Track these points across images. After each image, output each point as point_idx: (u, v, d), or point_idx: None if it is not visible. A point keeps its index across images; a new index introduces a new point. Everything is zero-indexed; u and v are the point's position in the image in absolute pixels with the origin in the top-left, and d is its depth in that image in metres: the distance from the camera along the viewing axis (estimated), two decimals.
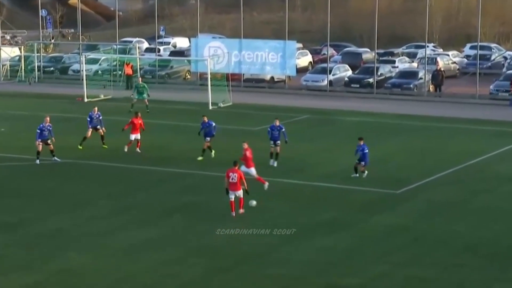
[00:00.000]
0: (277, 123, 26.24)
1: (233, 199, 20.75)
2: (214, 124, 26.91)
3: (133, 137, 28.05)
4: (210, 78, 39.09)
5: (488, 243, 18.72)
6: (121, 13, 71.80)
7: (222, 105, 39.04)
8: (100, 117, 28.63)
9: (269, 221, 20.10)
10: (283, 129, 26.18)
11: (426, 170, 25.48)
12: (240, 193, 20.69)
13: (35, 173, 25.43)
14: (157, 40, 53.00)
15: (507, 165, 26.64)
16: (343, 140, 30.27)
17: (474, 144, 29.81)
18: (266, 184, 22.49)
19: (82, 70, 42.99)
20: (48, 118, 26.99)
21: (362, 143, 24.20)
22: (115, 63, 46.50)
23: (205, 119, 26.96)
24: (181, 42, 61.47)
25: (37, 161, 25.85)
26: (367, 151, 23.93)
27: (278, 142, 25.96)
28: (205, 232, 19.31)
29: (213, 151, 26.48)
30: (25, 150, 27.95)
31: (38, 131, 26.60)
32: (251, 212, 20.87)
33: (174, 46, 59.94)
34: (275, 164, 25.44)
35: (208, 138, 26.67)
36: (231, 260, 17.54)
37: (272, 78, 46.07)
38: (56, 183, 24.00)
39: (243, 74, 45.62)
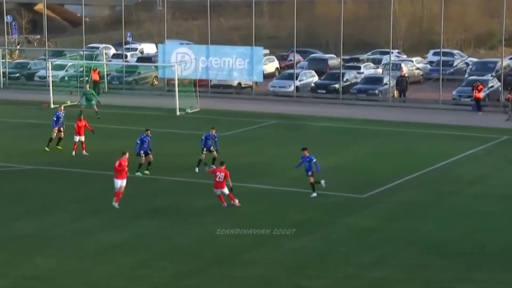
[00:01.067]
0: (213, 132, 26.25)
1: (219, 194, 21.87)
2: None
3: (77, 138, 28.26)
4: (178, 84, 39.01)
5: (455, 243, 18.88)
6: (87, 19, 71.56)
7: (189, 111, 38.97)
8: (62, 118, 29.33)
9: (237, 224, 20.25)
10: (216, 139, 26.29)
11: (393, 174, 25.65)
12: (225, 190, 21.72)
13: (2, 176, 25.33)
14: (124, 46, 52.83)
15: (471, 167, 26.99)
16: (310, 145, 29.93)
17: (439, 148, 29.96)
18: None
19: (48, 76, 42.61)
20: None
21: (307, 153, 23.05)
22: (82, 69, 46.38)
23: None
24: (149, 48, 61.41)
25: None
26: (315, 160, 22.93)
27: (212, 149, 25.99)
28: (175, 235, 19.34)
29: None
30: None
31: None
32: (216, 214, 21.00)
33: (142, 52, 59.89)
34: (197, 170, 25.48)
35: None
36: (201, 262, 17.61)
37: (240, 84, 45.98)
38: (25, 186, 23.91)
39: (211, 80, 45.57)
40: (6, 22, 54.79)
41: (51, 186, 23.64)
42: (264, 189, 23.53)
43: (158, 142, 27.43)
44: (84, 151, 28.08)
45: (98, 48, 56.77)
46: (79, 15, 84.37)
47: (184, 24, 70.17)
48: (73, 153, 28.05)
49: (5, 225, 19.85)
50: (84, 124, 28.29)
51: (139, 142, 25.37)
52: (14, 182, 24.38)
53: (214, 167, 24.62)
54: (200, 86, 42.39)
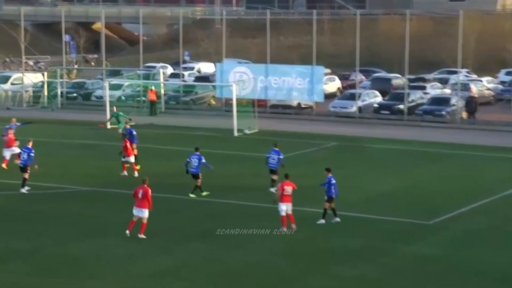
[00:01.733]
0: (276, 147, 26.26)
1: (284, 214, 21.46)
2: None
3: (130, 159, 28.36)
4: (236, 104, 39.10)
5: None
6: (145, 37, 72.63)
7: (248, 131, 38.98)
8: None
9: (290, 249, 20.02)
10: (281, 156, 26.09)
11: (459, 199, 25.16)
12: (290, 206, 21.50)
13: (59, 197, 25.66)
14: (181, 65, 53.23)
15: None
16: (372, 168, 30.01)
17: (510, 173, 29.37)
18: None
19: (105, 96, 43.09)
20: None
21: (329, 174, 22.43)
22: (138, 88, 46.81)
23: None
24: (206, 67, 61.54)
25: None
26: (334, 182, 22.30)
27: (277, 167, 25.77)
28: (223, 259, 19.27)
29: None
30: (46, 176, 28.05)
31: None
32: (269, 238, 20.85)
33: (199, 71, 60.17)
34: (273, 190, 25.12)
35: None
36: None
37: (299, 104, 45.80)
38: (80, 208, 24.14)
39: (269, 100, 45.53)
40: (64, 41, 55.20)
41: (105, 208, 23.80)
42: (321, 214, 22.99)
43: (214, 164, 27.48)
44: (135, 172, 28.25)
45: (155, 67, 57.53)
46: (136, 34, 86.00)
47: (242, 42, 70.43)
48: (124, 173, 28.23)
49: (59, 248, 20.03)
50: (126, 144, 28.51)
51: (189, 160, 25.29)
52: (70, 204, 24.57)
53: (274, 190, 24.57)
54: (258, 106, 42.58)
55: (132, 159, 28.15)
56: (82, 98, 50.78)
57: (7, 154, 28.70)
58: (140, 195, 20.34)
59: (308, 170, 28.19)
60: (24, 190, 25.51)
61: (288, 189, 21.47)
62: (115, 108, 37.04)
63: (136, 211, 20.61)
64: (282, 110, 45.48)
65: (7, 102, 49.00)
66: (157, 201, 23.97)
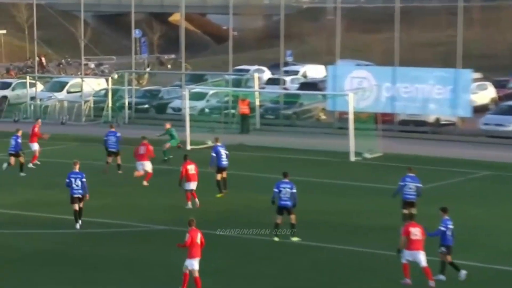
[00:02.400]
0: (411, 172, 26.35)
1: (406, 261, 21.11)
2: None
3: (189, 186, 28.85)
4: (353, 120, 39.21)
5: None
6: (236, 33, 73.17)
7: (368, 155, 39.17)
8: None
9: None
10: (420, 185, 26.19)
11: None
12: (423, 256, 20.99)
13: (121, 238, 26.03)
14: (282, 69, 53.47)
15: None
16: None
17: None
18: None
19: (184, 108, 43.71)
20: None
21: (445, 216, 22.05)
22: (227, 98, 47.33)
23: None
24: (314, 71, 61.79)
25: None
26: (451, 226, 21.92)
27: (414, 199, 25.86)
28: None
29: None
30: (110, 210, 28.32)
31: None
32: None
33: (305, 76, 60.50)
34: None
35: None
36: None
37: (438, 120, 45.78)
38: (149, 252, 24.45)
39: (397, 115, 45.67)
40: (134, 37, 56.06)
41: (179, 252, 23.38)
42: (468, 266, 22.50)
43: (324, 197, 27.75)
44: (196, 200, 28.69)
45: (248, 71, 57.71)
46: (225, 27, 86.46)
47: (362, 38, 70.26)
48: (189, 204, 28.72)
49: None
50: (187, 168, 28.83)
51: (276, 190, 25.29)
52: (137, 246, 24.86)
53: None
54: (383, 123, 42.90)
55: (193, 185, 28.79)
56: (156, 111, 51.93)
57: (140, 167, 32.58)
58: (197, 240, 20.19)
59: (448, 207, 27.59)
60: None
61: (416, 231, 21.02)
62: (168, 125, 37.98)
63: (189, 262, 20.40)
64: (415, 127, 45.37)
65: (62, 115, 50.24)
66: (245, 243, 24.13)
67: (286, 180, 24.94)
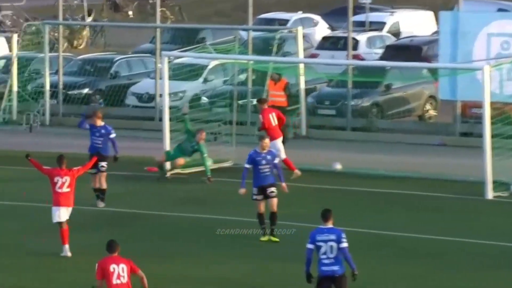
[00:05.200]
0: None
1: None
2: None
3: None
4: (492, 119, 31.10)
5: None
6: None
7: None
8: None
9: None
10: None
11: None
12: None
13: None
14: (350, 18, 39.28)
15: None
16: None
17: None
18: None
19: (160, 96, 35.51)
20: None
21: None
22: (243, 76, 37.63)
23: None
24: (413, 23, 48.75)
25: None
26: None
27: None
28: None
29: None
30: None
31: None
32: None
33: (395, 34, 47.60)
34: None
35: None
36: None
37: None
38: None
39: None
40: None
41: None
42: None
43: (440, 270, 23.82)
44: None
45: (285, 22, 47.37)
46: None
47: None
48: None
49: None
50: None
51: None
52: None
53: None
54: None
55: None
56: (104, 100, 40.85)
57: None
58: None
59: None
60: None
61: None
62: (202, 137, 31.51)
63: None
64: None
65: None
66: None
67: (329, 227, 20.09)
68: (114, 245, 17.74)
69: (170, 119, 32.11)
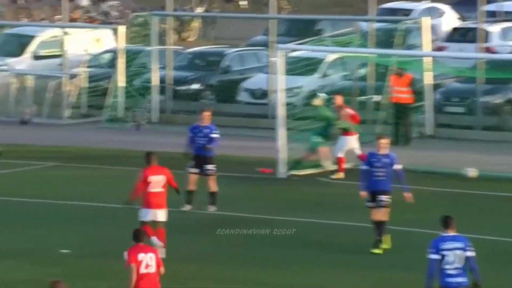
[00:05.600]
0: None
1: None
2: None
3: None
4: None
5: None
6: None
7: None
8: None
9: None
10: None
11: None
12: None
13: None
14: (482, 8, 39.55)
15: None
16: None
17: None
18: None
19: (274, 92, 34.62)
20: None
21: None
22: (364, 71, 36.80)
23: None
24: None
25: None
26: None
27: None
28: None
29: None
30: None
31: None
32: None
33: None
34: None
35: None
36: None
37: None
38: None
39: None
40: None
41: None
42: None
43: None
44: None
45: (408, 13, 46.28)
46: None
47: None
48: None
49: None
50: None
51: None
52: None
53: None
54: None
55: None
56: (216, 96, 39.81)
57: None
58: None
59: None
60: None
61: None
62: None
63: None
64: None
65: (22, 107, 38.37)
66: None
67: (452, 234, 19.18)
68: (141, 234, 17.64)
69: (287, 117, 31.23)
